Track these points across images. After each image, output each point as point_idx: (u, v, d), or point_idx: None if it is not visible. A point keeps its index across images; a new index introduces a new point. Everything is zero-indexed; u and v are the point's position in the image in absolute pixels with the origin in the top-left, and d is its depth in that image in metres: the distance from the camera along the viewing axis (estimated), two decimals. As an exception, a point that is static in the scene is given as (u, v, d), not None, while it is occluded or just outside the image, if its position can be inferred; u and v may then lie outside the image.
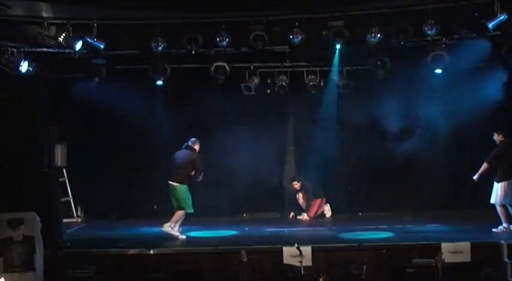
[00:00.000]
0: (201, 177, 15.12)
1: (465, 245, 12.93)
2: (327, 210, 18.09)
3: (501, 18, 14.62)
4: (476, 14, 15.13)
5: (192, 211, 15.12)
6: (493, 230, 14.92)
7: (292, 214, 18.08)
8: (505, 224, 14.89)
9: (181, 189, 15.05)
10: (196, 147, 15.31)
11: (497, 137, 15.19)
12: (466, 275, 12.36)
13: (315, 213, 17.90)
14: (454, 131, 17.66)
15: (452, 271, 12.08)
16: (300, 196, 18.09)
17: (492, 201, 14.99)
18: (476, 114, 16.99)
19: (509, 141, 15.18)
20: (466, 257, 12.77)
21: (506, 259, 13.02)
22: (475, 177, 15.12)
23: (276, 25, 15.96)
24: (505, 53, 15.73)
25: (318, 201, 17.98)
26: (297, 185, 18.07)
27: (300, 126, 18.64)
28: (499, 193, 14.88)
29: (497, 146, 15.11)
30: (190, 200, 15.11)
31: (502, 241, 13.32)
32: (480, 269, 12.18)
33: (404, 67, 16.80)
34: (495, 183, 14.98)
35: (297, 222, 17.53)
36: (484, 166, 15.01)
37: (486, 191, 15.30)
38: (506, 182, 14.86)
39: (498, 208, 14.96)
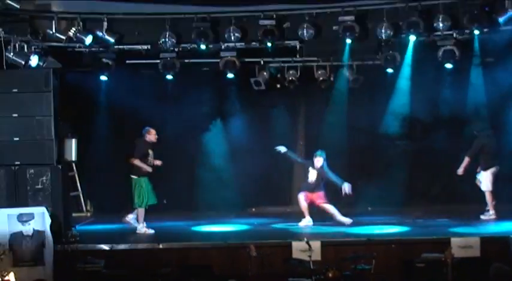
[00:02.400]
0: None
1: (475, 240, 12.92)
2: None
3: (512, 13, 14.61)
4: (486, 9, 15.10)
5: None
6: (481, 217, 15.51)
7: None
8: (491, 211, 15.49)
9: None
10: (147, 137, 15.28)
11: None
12: (476, 270, 12.33)
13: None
14: (464, 127, 17.57)
15: (462, 265, 12.08)
16: (312, 173, 15.98)
17: (484, 188, 15.55)
18: (486, 110, 17.00)
19: (487, 133, 15.77)
20: (475, 252, 12.76)
21: (516, 254, 13.01)
22: (459, 171, 15.71)
23: (286, 20, 15.97)
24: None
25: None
26: (319, 161, 15.94)
27: (309, 122, 18.60)
28: (491, 179, 15.47)
29: (477, 139, 15.68)
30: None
31: (512, 236, 13.33)
32: (489, 264, 12.13)
33: (415, 62, 16.80)
34: (482, 172, 15.58)
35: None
36: (466, 159, 15.63)
37: (496, 186, 15.60)
38: (493, 169, 15.51)
39: (490, 195, 15.51)
